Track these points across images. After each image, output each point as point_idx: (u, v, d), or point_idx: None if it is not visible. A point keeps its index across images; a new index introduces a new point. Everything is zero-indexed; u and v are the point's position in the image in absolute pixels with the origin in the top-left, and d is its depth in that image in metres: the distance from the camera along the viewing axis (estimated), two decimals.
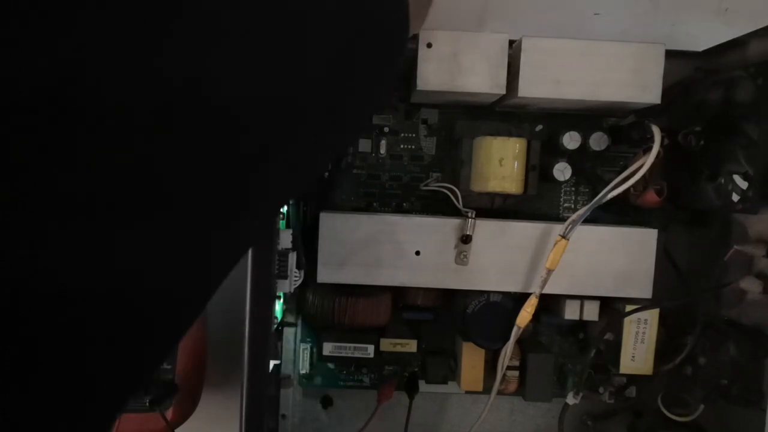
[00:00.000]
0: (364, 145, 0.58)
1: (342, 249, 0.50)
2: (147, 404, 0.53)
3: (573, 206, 0.59)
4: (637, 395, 0.57)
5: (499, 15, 0.62)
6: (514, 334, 0.50)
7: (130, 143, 0.17)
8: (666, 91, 0.50)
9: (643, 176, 0.48)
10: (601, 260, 0.51)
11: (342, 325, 0.54)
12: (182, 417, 0.55)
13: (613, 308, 0.53)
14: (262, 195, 0.23)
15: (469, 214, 0.50)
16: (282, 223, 0.53)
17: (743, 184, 0.47)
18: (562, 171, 0.52)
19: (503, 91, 0.50)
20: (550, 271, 0.48)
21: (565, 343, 0.58)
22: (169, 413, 0.54)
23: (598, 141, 0.53)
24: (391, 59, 0.28)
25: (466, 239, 0.50)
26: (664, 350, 0.54)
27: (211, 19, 0.18)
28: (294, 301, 0.58)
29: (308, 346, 0.59)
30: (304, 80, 0.22)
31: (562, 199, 0.59)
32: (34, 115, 0.15)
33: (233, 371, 0.62)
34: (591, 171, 0.58)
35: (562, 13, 0.62)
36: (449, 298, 0.57)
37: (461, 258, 0.51)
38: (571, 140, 0.52)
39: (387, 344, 0.55)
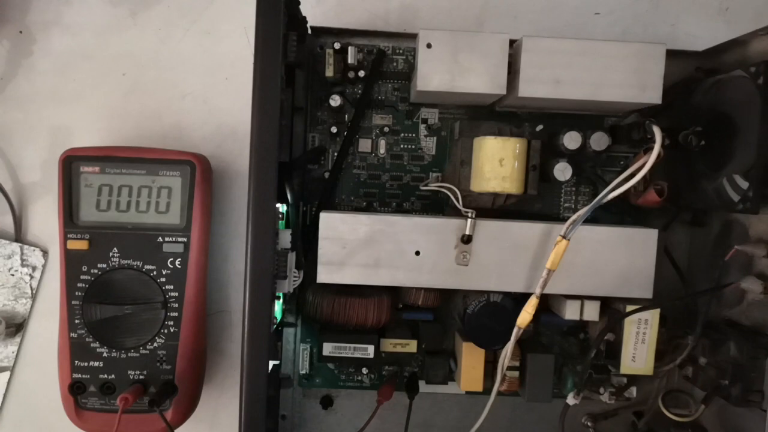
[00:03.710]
0: (364, 145, 0.58)
1: (342, 249, 0.50)
2: (147, 404, 0.53)
3: (573, 206, 0.58)
4: (637, 395, 0.57)
5: (499, 15, 0.62)
6: (515, 334, 0.50)
7: None
8: (666, 91, 0.50)
9: (644, 176, 0.48)
10: (602, 260, 0.51)
11: (342, 325, 0.54)
12: (182, 417, 0.55)
13: (613, 308, 0.53)
14: None
15: (469, 214, 0.50)
16: (282, 223, 0.53)
17: (743, 184, 0.46)
18: (562, 171, 0.52)
19: (503, 91, 0.50)
20: (550, 272, 0.48)
21: (565, 343, 0.58)
22: (169, 413, 0.54)
23: (599, 141, 0.53)
24: None
25: (466, 239, 0.50)
26: (664, 350, 0.54)
27: None
28: (294, 302, 0.58)
29: (308, 346, 0.59)
30: None
31: (562, 199, 0.59)
32: None
33: (233, 371, 0.63)
34: (591, 171, 0.57)
35: (562, 13, 0.62)
36: (449, 298, 0.57)
37: (461, 258, 0.50)
38: (571, 140, 0.52)
39: (387, 344, 0.55)
